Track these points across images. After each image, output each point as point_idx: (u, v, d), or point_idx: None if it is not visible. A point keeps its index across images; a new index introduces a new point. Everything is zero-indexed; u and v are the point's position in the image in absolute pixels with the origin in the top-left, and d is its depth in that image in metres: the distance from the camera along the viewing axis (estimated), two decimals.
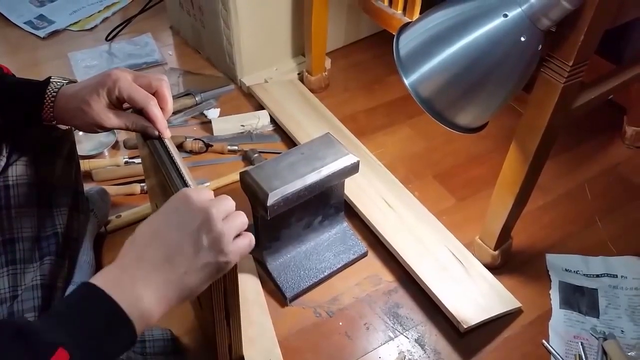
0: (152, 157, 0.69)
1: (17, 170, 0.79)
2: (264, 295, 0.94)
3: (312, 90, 1.36)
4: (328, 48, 1.40)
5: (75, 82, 0.72)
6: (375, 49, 1.52)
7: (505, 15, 0.66)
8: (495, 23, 0.66)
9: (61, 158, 0.86)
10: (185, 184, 0.63)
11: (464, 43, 0.68)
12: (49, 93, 0.69)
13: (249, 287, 0.94)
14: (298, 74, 1.42)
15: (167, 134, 0.70)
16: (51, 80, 0.71)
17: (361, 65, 1.48)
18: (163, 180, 0.66)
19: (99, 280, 0.49)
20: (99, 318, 0.47)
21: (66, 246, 0.85)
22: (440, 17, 0.72)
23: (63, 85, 0.70)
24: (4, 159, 0.79)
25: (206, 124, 1.30)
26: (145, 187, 1.12)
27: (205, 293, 0.59)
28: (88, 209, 0.97)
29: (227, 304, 0.67)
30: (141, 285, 0.50)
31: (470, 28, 0.68)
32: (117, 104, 0.68)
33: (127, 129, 0.69)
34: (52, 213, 0.83)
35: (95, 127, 0.68)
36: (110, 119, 0.67)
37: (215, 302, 0.66)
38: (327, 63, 1.41)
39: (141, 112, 0.68)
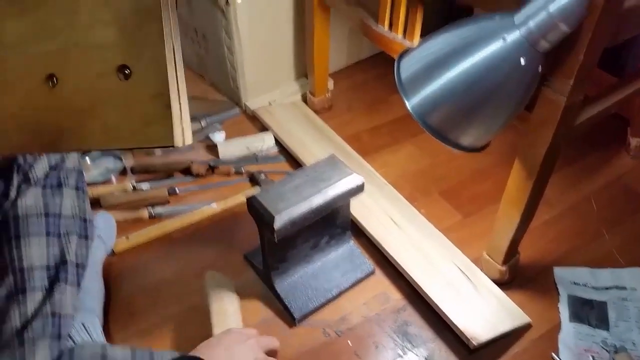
0: None
1: (27, 201, 0.81)
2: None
3: (315, 111, 1.38)
4: (330, 69, 1.42)
5: None
6: (377, 69, 1.53)
7: (504, 39, 0.67)
8: (495, 47, 0.67)
9: (69, 187, 0.87)
10: None
11: (464, 67, 0.69)
12: None
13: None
14: (301, 95, 1.44)
15: None
16: None
17: (364, 86, 1.50)
18: None
19: None
20: None
21: (75, 274, 0.86)
22: (440, 42, 0.73)
23: None
24: (14, 190, 0.81)
25: (212, 147, 1.31)
26: (153, 212, 1.13)
27: None
28: (95, 236, 0.98)
29: None
30: None
31: (470, 52, 0.69)
32: None
33: None
34: (61, 242, 0.84)
35: None
36: None
37: None
38: (330, 84, 1.42)
39: None
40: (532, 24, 0.66)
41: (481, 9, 0.81)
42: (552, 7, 0.64)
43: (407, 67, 0.78)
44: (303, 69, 1.44)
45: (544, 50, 0.68)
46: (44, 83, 0.63)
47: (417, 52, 0.78)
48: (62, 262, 0.84)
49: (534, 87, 0.72)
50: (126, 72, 0.62)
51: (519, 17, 0.67)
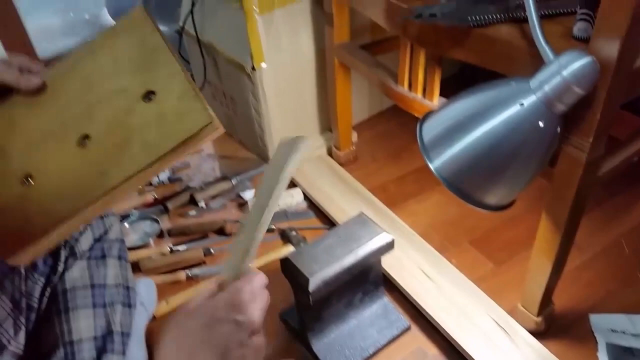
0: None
1: (74, 274, 0.86)
2: None
3: (341, 164, 1.42)
4: (353, 121, 1.46)
5: None
6: (399, 118, 1.57)
7: (522, 104, 0.70)
8: (513, 111, 0.70)
9: (112, 257, 0.92)
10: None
11: (484, 130, 0.72)
12: None
13: None
14: (327, 148, 1.48)
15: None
16: None
17: (387, 135, 1.53)
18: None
19: None
20: None
21: (121, 342, 0.89)
22: (460, 107, 0.77)
23: None
24: (62, 264, 0.86)
25: (243, 205, 1.35)
26: (190, 274, 1.17)
27: None
28: (138, 303, 1.02)
29: None
30: None
31: (490, 116, 0.72)
32: None
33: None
34: (107, 312, 0.88)
35: None
36: None
37: None
38: (354, 136, 1.46)
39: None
40: (547, 88, 0.69)
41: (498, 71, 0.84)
42: (566, 72, 0.67)
43: (429, 130, 0.81)
44: (327, 123, 1.49)
45: (561, 112, 0.70)
46: (77, 145, 0.69)
47: (438, 115, 0.81)
48: (109, 332, 0.87)
49: (554, 147, 0.75)
50: (151, 96, 0.68)
51: (534, 82, 0.70)
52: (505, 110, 0.71)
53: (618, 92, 0.70)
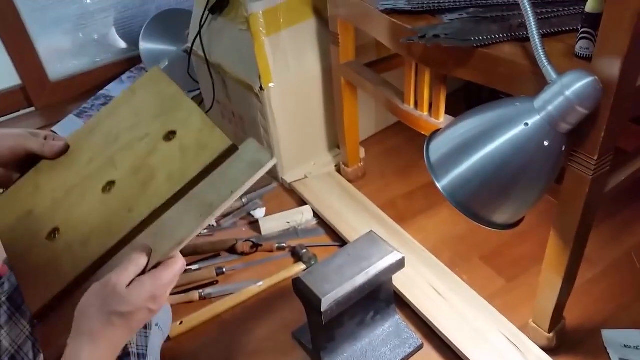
0: None
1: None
2: None
3: (349, 181, 1.43)
4: (361, 137, 1.48)
5: None
6: (406, 133, 1.57)
7: (526, 124, 0.71)
8: (518, 131, 0.71)
9: None
10: None
11: (490, 150, 0.73)
12: None
13: None
14: (335, 165, 1.49)
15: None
16: None
17: (395, 150, 1.54)
18: None
19: None
20: None
21: None
22: (465, 127, 0.78)
23: None
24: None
25: (254, 223, 1.37)
26: (203, 294, 1.18)
27: None
28: (153, 324, 1.03)
29: None
30: None
31: (494, 137, 0.73)
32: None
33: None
34: None
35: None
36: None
37: None
38: (362, 152, 1.47)
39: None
40: (551, 108, 0.70)
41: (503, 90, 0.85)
42: (569, 92, 0.68)
43: (436, 150, 0.82)
44: (335, 140, 1.50)
45: (566, 131, 0.71)
46: (102, 192, 0.70)
47: (444, 135, 0.82)
48: (125, 353, 0.88)
49: (560, 165, 0.75)
50: (171, 136, 0.70)
51: (538, 102, 0.71)
52: (511, 130, 0.72)
53: (622, 110, 0.70)
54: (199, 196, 0.66)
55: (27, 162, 0.78)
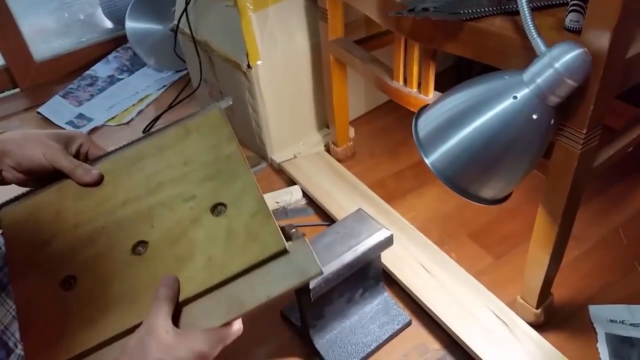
0: None
1: None
2: None
3: (339, 160, 1.42)
4: (350, 117, 1.46)
5: None
6: (396, 112, 1.57)
7: (515, 97, 0.70)
8: (506, 105, 0.70)
9: None
10: None
11: (478, 125, 0.72)
12: None
13: None
14: (325, 145, 1.48)
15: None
16: None
17: (384, 130, 1.54)
18: None
19: None
20: None
21: None
22: (454, 101, 0.77)
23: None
24: None
25: None
26: None
27: None
28: None
29: None
30: None
31: (484, 110, 0.72)
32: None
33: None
34: None
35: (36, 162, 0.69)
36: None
37: None
38: (351, 132, 1.46)
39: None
40: (540, 81, 0.69)
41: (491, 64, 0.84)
42: (558, 64, 0.67)
43: (424, 125, 0.81)
44: (324, 120, 1.49)
45: (555, 104, 0.70)
46: (131, 252, 0.62)
47: (432, 110, 0.81)
48: None
49: (549, 139, 0.75)
50: (221, 208, 0.63)
51: (527, 75, 0.70)
52: (499, 103, 0.71)
53: (611, 83, 0.70)
54: (231, 290, 0.60)
55: (53, 174, 0.71)
